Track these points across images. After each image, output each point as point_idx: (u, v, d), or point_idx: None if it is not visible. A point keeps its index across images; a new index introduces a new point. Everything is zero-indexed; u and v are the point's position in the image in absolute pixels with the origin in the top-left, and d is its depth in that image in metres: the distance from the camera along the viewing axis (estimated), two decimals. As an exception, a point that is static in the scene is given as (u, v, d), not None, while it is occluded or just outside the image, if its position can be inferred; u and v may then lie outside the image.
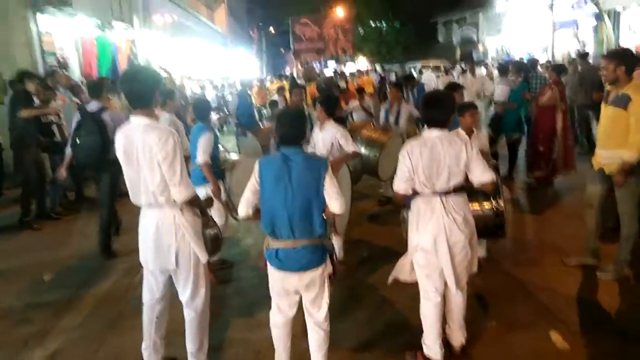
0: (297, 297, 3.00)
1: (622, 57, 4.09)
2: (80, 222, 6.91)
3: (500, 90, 8.58)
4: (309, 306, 3.00)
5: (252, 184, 2.90)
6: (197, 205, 3.08)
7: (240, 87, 9.50)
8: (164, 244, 2.96)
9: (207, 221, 3.16)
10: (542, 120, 7.26)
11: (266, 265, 2.96)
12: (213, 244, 3.18)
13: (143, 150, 2.81)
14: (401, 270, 3.32)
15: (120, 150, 2.91)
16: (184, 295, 3.12)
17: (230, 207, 4.77)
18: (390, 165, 6.14)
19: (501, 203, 3.86)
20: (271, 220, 2.83)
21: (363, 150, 5.93)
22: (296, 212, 2.76)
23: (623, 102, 3.98)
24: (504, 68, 9.59)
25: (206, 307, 3.19)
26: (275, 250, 2.86)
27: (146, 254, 3.04)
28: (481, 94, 9.99)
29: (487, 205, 3.89)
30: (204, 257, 3.04)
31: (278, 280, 2.93)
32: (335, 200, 2.81)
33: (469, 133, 4.49)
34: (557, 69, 7.62)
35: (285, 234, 2.81)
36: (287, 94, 11.68)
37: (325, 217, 2.86)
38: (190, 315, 3.15)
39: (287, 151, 2.85)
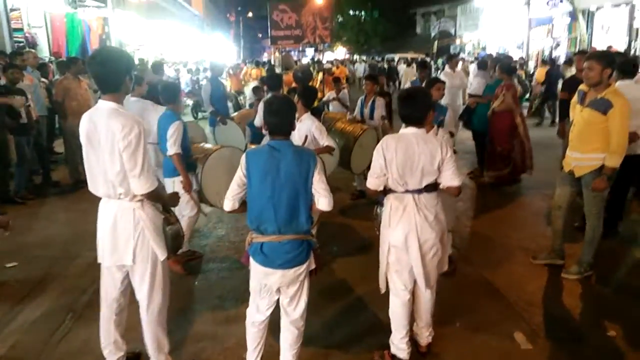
0: (277, 296, 2.95)
1: (609, 61, 4.06)
2: (46, 207, 6.72)
3: (476, 84, 8.55)
4: (286, 304, 2.94)
5: (239, 176, 2.83)
6: (158, 200, 2.94)
7: (210, 72, 9.12)
8: (121, 238, 2.83)
9: (169, 217, 3.00)
10: (497, 122, 7.29)
11: (248, 261, 2.89)
12: (174, 241, 3.02)
13: (106, 136, 2.67)
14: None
15: (83, 135, 2.76)
16: (140, 293, 2.99)
17: (196, 200, 4.67)
18: (362, 158, 6.15)
19: None
20: (257, 215, 2.77)
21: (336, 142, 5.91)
22: (283, 206, 2.72)
23: (603, 107, 4.00)
24: (484, 62, 9.63)
25: (164, 306, 3.07)
26: (260, 244, 2.80)
27: (103, 249, 2.91)
28: (463, 89, 9.96)
29: None
30: (162, 255, 2.92)
31: (261, 277, 2.87)
32: (323, 197, 2.80)
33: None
34: (508, 70, 7.57)
35: (270, 229, 2.76)
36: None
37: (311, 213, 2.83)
38: (146, 315, 3.03)
39: (275, 143, 2.78)
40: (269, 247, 2.78)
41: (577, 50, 14.68)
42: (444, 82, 5.15)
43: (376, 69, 19.36)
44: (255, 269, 2.86)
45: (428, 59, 23.86)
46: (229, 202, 2.89)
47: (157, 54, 19.90)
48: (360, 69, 22.15)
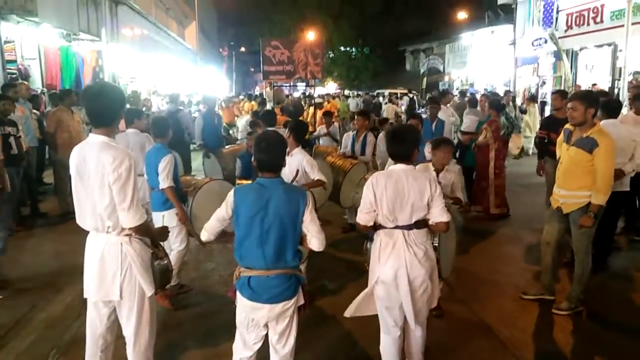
0: (264, 331, 2.90)
1: (592, 101, 4.15)
2: (33, 238, 6.65)
3: (469, 121, 8.73)
4: (275, 341, 2.89)
5: (222, 212, 2.82)
6: (147, 234, 2.92)
7: (204, 106, 9.34)
8: (108, 273, 2.79)
9: (157, 251, 2.98)
10: (480, 157, 7.54)
11: (235, 295, 2.86)
12: (162, 276, 2.99)
13: (96, 169, 2.67)
14: (362, 306, 3.28)
15: (73, 167, 2.77)
16: (127, 330, 2.94)
17: (193, 232, 4.66)
18: (351, 192, 6.18)
19: (436, 240, 3.73)
20: (245, 252, 2.76)
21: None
22: (271, 245, 2.70)
23: (588, 146, 4.08)
24: (474, 100, 9.82)
25: (151, 342, 3.03)
26: (247, 278, 2.76)
27: (89, 284, 2.87)
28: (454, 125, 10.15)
29: None
30: (149, 290, 2.89)
31: (248, 312, 2.82)
32: (316, 239, 2.79)
33: (440, 169, 4.52)
34: (497, 106, 7.77)
35: (257, 265, 2.74)
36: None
37: (300, 249, 2.82)
38: (133, 351, 2.97)
39: (265, 181, 2.77)
40: (257, 282, 2.75)
41: (562, 87, 15.08)
42: (421, 116, 5.15)
43: (370, 105, 19.71)
44: (243, 303, 2.82)
45: (411, 95, 24.36)
46: (206, 234, 2.91)
47: (150, 86, 20.06)
48: (353, 103, 22.25)
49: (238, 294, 2.83)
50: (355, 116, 7.87)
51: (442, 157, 4.49)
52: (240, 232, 2.76)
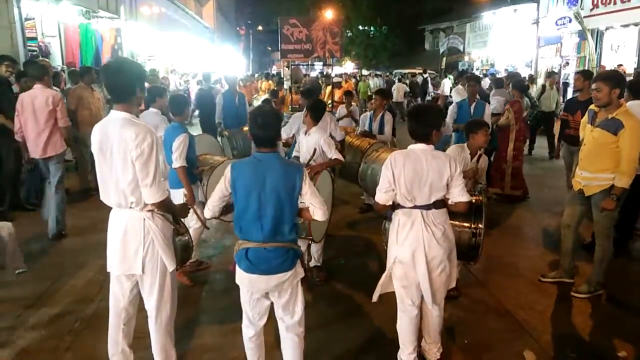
0: (266, 303, 2.96)
1: (618, 81, 4.06)
2: (55, 214, 6.75)
3: (496, 102, 8.54)
4: (280, 312, 2.96)
5: (221, 188, 2.86)
6: (169, 210, 2.96)
7: (226, 85, 9.38)
8: (131, 248, 2.84)
9: (179, 227, 3.03)
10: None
11: (235, 268, 2.90)
12: (183, 252, 3.05)
13: (118, 146, 2.70)
14: (384, 283, 3.29)
15: (95, 144, 2.79)
16: (148, 304, 3.00)
17: (199, 214, 4.68)
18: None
19: (480, 226, 3.75)
20: (244, 225, 2.80)
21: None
22: (268, 218, 2.74)
23: (613, 127, 4.00)
24: (500, 81, 9.64)
25: (172, 316, 3.08)
26: (245, 250, 2.81)
27: (112, 258, 2.92)
28: None
29: (465, 224, 3.76)
30: (171, 265, 2.93)
31: (246, 284, 2.88)
32: (319, 209, 2.84)
33: (475, 152, 4.46)
34: (520, 87, 7.60)
35: (255, 237, 2.78)
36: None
37: (298, 222, 2.86)
38: (155, 325, 3.03)
39: (261, 155, 2.80)
40: (254, 254, 2.80)
41: (586, 69, 14.71)
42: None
43: (392, 85, 19.60)
44: (241, 276, 2.87)
45: (425, 75, 24.02)
46: (209, 212, 2.94)
47: (168, 65, 20.11)
48: (373, 84, 22.00)
49: (237, 270, 2.88)
50: (373, 95, 7.78)
51: (482, 141, 4.44)
52: (238, 206, 2.80)
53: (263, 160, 2.78)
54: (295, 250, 2.87)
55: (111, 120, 2.78)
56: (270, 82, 18.67)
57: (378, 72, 29.85)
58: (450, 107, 7.37)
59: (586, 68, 14.92)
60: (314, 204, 2.83)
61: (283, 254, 2.80)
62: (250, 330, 3.01)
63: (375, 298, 3.30)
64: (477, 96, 7.23)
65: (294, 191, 2.77)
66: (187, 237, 3.11)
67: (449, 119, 6.98)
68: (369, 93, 18.92)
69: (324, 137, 4.75)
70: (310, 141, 4.74)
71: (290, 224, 2.80)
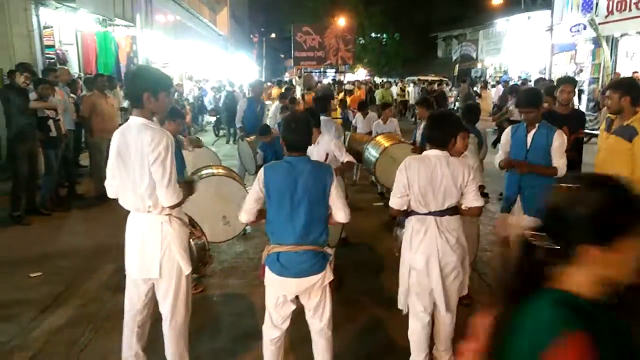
0: (291, 307, 2.97)
1: (628, 88, 4.04)
2: (70, 219, 6.86)
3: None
4: (310, 316, 2.98)
5: (256, 191, 2.90)
6: (184, 214, 3.00)
7: (251, 92, 9.38)
8: (149, 252, 2.88)
9: (194, 231, 3.09)
10: None
11: (264, 274, 2.92)
12: (199, 255, 3.10)
13: (135, 150, 2.76)
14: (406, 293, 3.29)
15: (114, 149, 2.85)
16: (163, 307, 3.03)
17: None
18: (388, 170, 6.21)
19: None
20: (276, 228, 2.85)
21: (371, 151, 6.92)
22: (301, 221, 2.78)
23: (628, 134, 3.96)
24: (516, 89, 9.61)
25: (186, 320, 3.11)
26: (277, 254, 2.84)
27: (131, 262, 2.97)
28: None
29: None
30: (187, 269, 2.97)
31: (277, 287, 2.90)
32: (341, 211, 2.90)
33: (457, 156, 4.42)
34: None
35: (287, 240, 2.82)
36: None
37: (328, 225, 2.91)
38: (169, 329, 3.06)
39: (292, 159, 2.86)
40: (286, 257, 2.82)
41: (601, 76, 14.61)
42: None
43: (429, 94, 19.64)
44: (271, 279, 2.89)
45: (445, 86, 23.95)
46: (245, 216, 2.98)
47: (183, 72, 20.32)
48: (397, 92, 21.83)
49: (267, 270, 2.90)
50: (416, 106, 7.88)
51: (460, 146, 4.45)
52: (271, 208, 2.85)
53: (294, 163, 2.83)
54: (324, 254, 2.91)
55: (129, 126, 2.85)
56: (283, 89, 18.79)
57: (389, 80, 29.76)
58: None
59: (601, 75, 14.83)
60: (338, 205, 2.88)
61: (314, 257, 2.83)
62: (272, 332, 3.01)
63: (404, 309, 3.30)
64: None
65: (325, 192, 2.82)
66: (203, 240, 3.14)
67: None
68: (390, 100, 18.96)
69: (334, 141, 4.79)
70: (321, 148, 4.77)
71: (321, 225, 2.85)
